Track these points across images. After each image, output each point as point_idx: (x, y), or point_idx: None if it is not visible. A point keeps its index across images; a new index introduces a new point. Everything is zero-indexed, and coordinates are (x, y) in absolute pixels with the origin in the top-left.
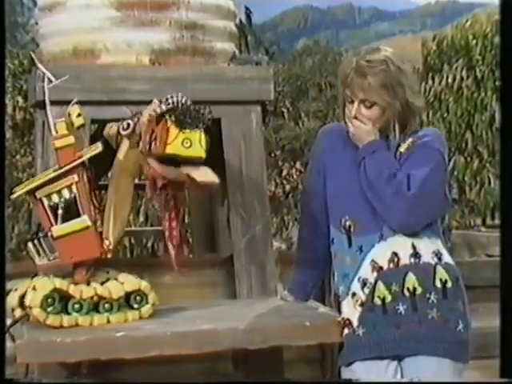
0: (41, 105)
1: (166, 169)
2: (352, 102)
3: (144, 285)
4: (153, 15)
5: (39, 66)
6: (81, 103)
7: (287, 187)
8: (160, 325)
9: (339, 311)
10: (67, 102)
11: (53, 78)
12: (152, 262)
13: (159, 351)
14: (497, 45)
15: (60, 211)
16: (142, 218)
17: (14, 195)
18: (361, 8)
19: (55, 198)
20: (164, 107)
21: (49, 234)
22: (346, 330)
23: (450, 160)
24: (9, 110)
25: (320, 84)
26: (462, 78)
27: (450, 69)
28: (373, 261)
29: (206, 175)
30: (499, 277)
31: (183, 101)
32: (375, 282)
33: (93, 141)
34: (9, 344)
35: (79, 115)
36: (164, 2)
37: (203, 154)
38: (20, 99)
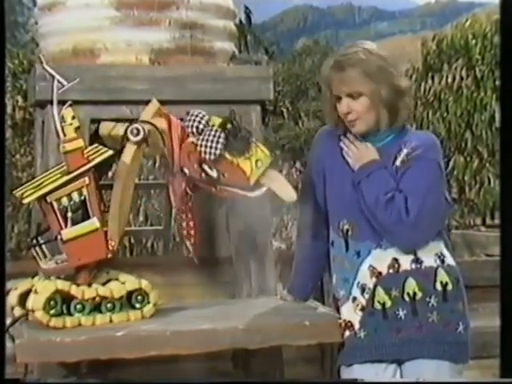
0: (40, 104)
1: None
2: (340, 99)
3: (145, 284)
4: (152, 15)
5: (49, 69)
6: (80, 103)
7: None
8: (160, 324)
9: (338, 314)
10: (67, 102)
11: (64, 82)
12: (151, 262)
13: (159, 351)
14: (496, 44)
15: (70, 214)
16: (141, 218)
17: (26, 200)
18: (361, 7)
19: (65, 201)
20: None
21: (58, 237)
22: (347, 332)
23: (449, 160)
24: (8, 109)
25: (320, 84)
26: (461, 78)
27: (450, 68)
28: (371, 266)
29: (287, 191)
30: (499, 277)
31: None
32: (374, 288)
33: (91, 140)
34: (9, 344)
35: (73, 118)
36: (164, 1)
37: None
38: (20, 99)
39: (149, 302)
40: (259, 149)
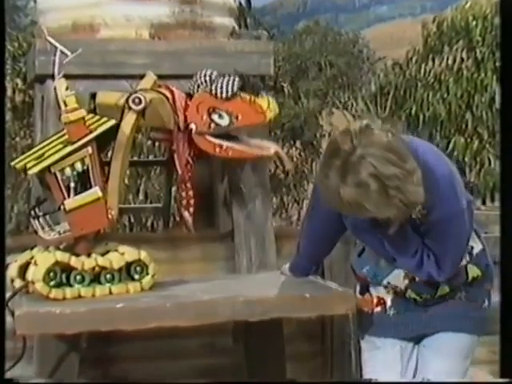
0: (40, 79)
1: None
2: None
3: (144, 255)
4: None
5: (52, 40)
6: (80, 77)
7: None
8: (160, 296)
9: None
10: (67, 76)
11: (68, 53)
12: (151, 237)
13: (159, 323)
14: (497, 26)
15: (72, 184)
16: (141, 197)
17: (32, 171)
18: None
19: (68, 172)
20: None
21: (61, 207)
22: (378, 308)
23: (449, 141)
24: (8, 92)
25: (320, 63)
26: (462, 59)
27: (451, 50)
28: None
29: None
30: (499, 275)
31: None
32: (405, 289)
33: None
34: (8, 319)
35: (67, 89)
36: None
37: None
38: (19, 81)
39: (147, 274)
40: (270, 99)
